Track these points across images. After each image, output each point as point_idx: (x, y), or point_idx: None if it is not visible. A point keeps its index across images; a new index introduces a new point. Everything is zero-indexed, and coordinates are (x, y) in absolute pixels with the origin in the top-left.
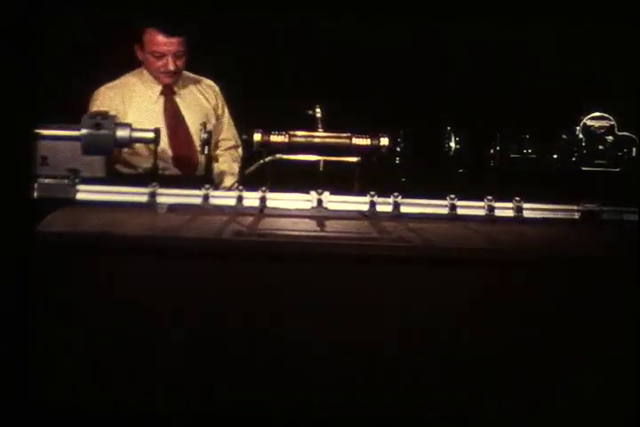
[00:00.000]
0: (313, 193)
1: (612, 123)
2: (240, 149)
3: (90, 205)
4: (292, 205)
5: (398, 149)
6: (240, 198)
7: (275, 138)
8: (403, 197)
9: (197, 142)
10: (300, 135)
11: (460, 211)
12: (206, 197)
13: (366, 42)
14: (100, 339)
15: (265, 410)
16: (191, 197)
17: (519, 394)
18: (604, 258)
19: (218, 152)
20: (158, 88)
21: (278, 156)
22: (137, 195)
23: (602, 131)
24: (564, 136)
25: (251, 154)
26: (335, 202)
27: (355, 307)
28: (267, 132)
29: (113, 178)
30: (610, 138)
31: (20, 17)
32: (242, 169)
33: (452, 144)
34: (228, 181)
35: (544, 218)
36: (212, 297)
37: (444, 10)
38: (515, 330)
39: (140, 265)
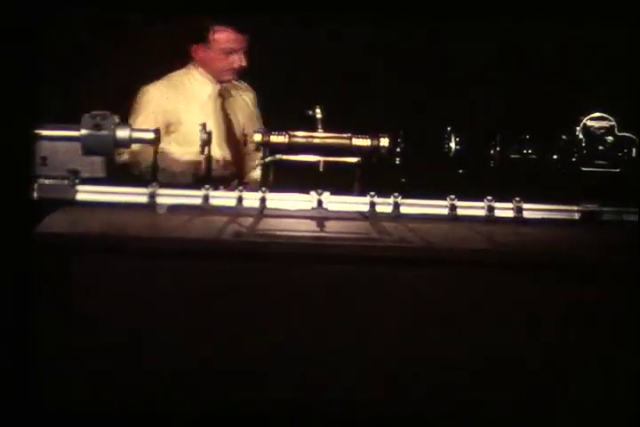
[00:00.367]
0: (313, 193)
1: (612, 123)
2: None
3: (90, 205)
4: (292, 205)
5: (398, 150)
6: (240, 199)
7: (275, 138)
8: (403, 198)
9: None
10: (300, 136)
11: (460, 211)
12: (206, 198)
13: (366, 42)
14: (99, 339)
15: (265, 410)
16: (191, 197)
17: (519, 394)
18: (605, 259)
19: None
20: (212, 88)
21: (278, 156)
22: (137, 195)
23: (602, 131)
24: (563, 137)
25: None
26: (335, 202)
27: (355, 307)
28: (267, 132)
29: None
30: (610, 138)
31: (20, 17)
32: None
33: (452, 145)
34: None
35: (544, 218)
36: (212, 297)
37: (444, 10)
38: (514, 330)
39: (140, 265)
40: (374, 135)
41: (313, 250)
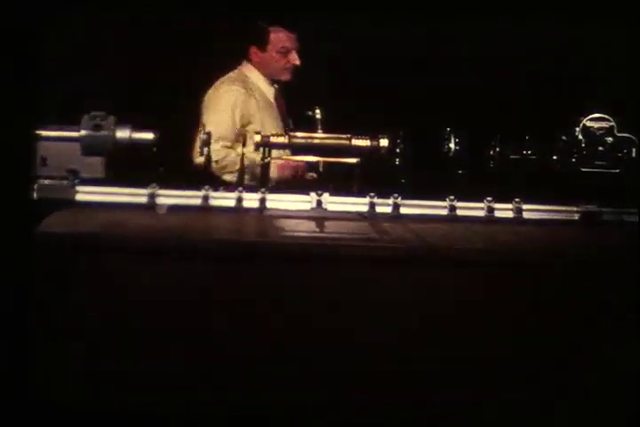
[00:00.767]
0: (313, 194)
1: (612, 124)
2: None
3: (89, 205)
4: (291, 205)
5: (398, 151)
6: (240, 199)
7: (275, 139)
8: (402, 199)
9: None
10: (300, 136)
11: (459, 212)
12: (206, 198)
13: (366, 42)
14: (99, 339)
15: (265, 410)
16: (191, 197)
17: (519, 394)
18: (604, 259)
19: None
20: (274, 89)
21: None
22: (136, 196)
23: (601, 132)
24: (563, 137)
25: None
26: (335, 203)
27: (355, 307)
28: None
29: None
30: (609, 139)
31: (20, 17)
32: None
33: (452, 145)
34: None
35: (544, 219)
36: (212, 297)
37: (444, 10)
38: (514, 331)
39: (140, 266)
40: (374, 136)
41: (312, 250)
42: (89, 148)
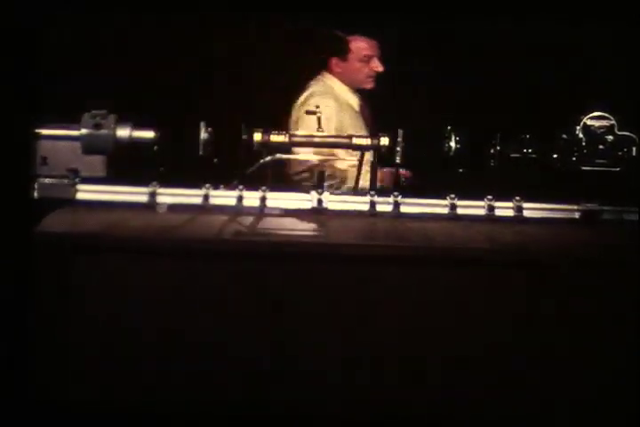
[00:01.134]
0: (313, 193)
1: (612, 122)
2: None
3: (90, 204)
4: (292, 204)
5: (398, 149)
6: (240, 198)
7: (275, 138)
8: (403, 197)
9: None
10: (301, 135)
11: (460, 211)
12: (206, 197)
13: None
14: (100, 339)
15: (265, 410)
16: (191, 196)
17: (519, 394)
18: (605, 258)
19: None
20: (358, 98)
21: (278, 156)
22: (137, 195)
23: (602, 130)
24: (564, 136)
25: (251, 154)
26: (335, 202)
27: (355, 307)
28: (267, 131)
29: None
30: (610, 137)
31: (20, 17)
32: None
33: (452, 144)
34: None
35: (544, 218)
36: (212, 297)
37: (444, 9)
38: (515, 330)
39: (140, 265)
40: (374, 135)
41: (313, 249)
42: (89, 146)
